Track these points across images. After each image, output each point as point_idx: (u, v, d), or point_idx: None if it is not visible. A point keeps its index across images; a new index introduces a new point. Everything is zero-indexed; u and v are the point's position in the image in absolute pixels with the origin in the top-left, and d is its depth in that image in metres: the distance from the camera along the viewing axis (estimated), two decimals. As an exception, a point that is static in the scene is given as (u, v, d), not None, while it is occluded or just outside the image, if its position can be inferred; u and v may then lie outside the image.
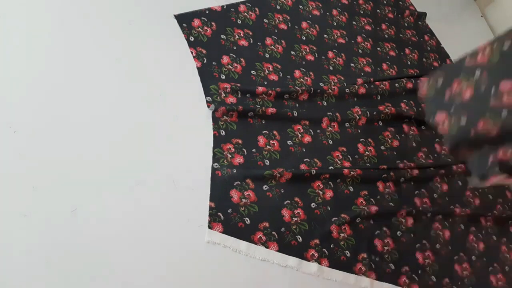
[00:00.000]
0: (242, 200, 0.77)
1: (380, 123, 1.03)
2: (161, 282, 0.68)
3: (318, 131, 0.94)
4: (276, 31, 1.07)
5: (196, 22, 0.99)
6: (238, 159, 0.83)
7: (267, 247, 0.75)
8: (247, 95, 0.92)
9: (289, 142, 0.89)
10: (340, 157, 0.92)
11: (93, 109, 0.79)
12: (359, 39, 1.18)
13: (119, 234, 0.69)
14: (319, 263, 0.77)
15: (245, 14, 1.06)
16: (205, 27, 0.99)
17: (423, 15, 1.34)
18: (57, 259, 0.64)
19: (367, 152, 0.97)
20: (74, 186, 0.71)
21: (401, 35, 1.27)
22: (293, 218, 0.79)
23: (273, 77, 0.99)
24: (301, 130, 0.92)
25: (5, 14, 0.84)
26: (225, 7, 1.05)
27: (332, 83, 1.04)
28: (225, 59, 0.96)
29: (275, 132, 0.89)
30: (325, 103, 0.99)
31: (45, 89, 0.78)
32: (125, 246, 0.69)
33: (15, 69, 0.79)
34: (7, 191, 0.67)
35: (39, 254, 0.64)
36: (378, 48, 1.20)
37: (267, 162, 0.84)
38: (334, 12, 1.20)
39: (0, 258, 0.62)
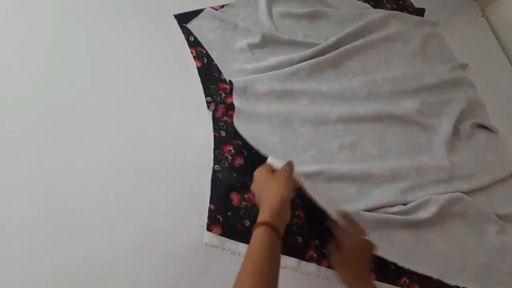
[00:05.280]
0: (243, 203, 0.77)
1: None
2: (161, 282, 0.68)
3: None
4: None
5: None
6: (239, 161, 0.83)
7: (267, 248, 0.75)
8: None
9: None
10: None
11: (92, 109, 0.79)
12: None
13: (119, 234, 0.69)
14: (319, 264, 0.77)
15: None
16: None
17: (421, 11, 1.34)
18: (57, 259, 0.65)
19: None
20: (74, 186, 0.71)
21: None
22: (294, 219, 0.79)
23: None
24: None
25: (4, 13, 0.84)
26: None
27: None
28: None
29: (275, 133, 0.89)
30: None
31: (45, 89, 0.79)
32: (124, 246, 0.69)
33: (15, 69, 0.79)
34: (7, 191, 0.67)
35: (39, 254, 0.64)
36: None
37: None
38: None
39: (0, 258, 0.62)
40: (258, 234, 0.55)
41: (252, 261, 0.53)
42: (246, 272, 0.52)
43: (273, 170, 0.70)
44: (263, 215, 0.58)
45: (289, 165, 0.69)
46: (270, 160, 0.73)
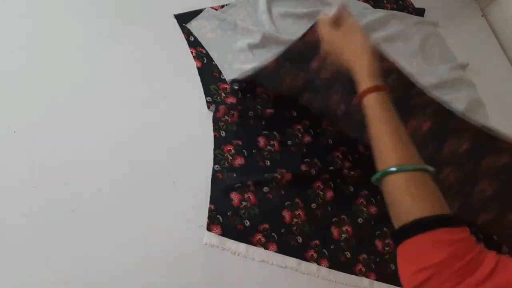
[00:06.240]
0: (243, 203, 0.77)
1: None
2: (161, 282, 0.68)
3: (318, 130, 0.94)
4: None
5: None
6: (239, 161, 0.83)
7: (266, 249, 0.75)
8: (248, 95, 0.91)
9: (289, 142, 0.89)
10: (341, 156, 0.92)
11: (93, 109, 0.79)
12: None
13: (119, 234, 0.69)
14: (319, 264, 0.77)
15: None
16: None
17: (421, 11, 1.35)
18: (57, 259, 0.64)
19: (367, 152, 0.96)
20: (74, 186, 0.71)
21: None
22: (294, 219, 0.79)
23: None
24: (301, 130, 0.92)
25: (4, 13, 0.84)
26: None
27: None
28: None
29: (275, 133, 0.89)
30: None
31: (45, 89, 0.78)
32: (124, 246, 0.69)
33: (15, 69, 0.79)
34: (7, 191, 0.67)
35: (39, 254, 0.64)
36: None
37: (268, 163, 0.84)
38: None
39: (0, 258, 0.62)
40: (369, 102, 0.54)
41: (380, 127, 0.53)
42: (382, 136, 0.52)
43: (333, 21, 0.65)
44: (362, 81, 0.56)
45: (344, 8, 0.64)
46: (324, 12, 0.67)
